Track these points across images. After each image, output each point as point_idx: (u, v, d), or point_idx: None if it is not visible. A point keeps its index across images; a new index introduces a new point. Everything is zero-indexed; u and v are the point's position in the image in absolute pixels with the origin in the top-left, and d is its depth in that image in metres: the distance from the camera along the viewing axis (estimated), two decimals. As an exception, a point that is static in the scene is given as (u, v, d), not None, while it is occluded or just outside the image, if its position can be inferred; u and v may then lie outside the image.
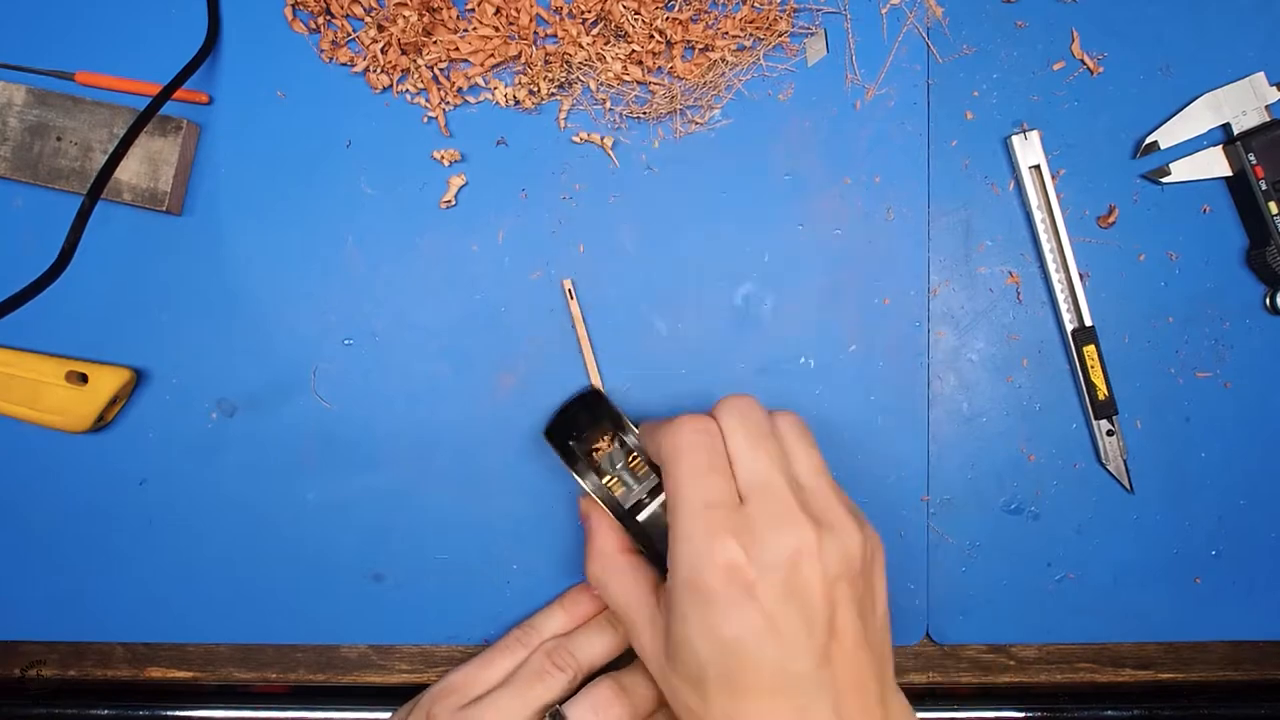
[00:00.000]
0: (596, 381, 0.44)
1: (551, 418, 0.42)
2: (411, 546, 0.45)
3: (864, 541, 0.34)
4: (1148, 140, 0.44)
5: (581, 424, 0.41)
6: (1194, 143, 0.45)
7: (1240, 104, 0.44)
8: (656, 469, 0.39)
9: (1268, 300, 0.45)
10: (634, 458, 0.41)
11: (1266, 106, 0.44)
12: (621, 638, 0.42)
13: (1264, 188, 0.43)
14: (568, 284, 0.44)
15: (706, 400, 0.44)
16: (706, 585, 0.32)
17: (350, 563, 0.45)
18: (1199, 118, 0.44)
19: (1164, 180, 0.44)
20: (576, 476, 0.40)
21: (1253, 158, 0.43)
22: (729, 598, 0.32)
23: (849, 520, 0.34)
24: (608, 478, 0.41)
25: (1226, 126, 0.45)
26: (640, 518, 0.39)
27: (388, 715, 0.44)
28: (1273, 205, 0.43)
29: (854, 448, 0.45)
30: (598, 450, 0.42)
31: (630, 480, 0.41)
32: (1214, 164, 0.44)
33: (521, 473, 0.45)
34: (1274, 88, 0.44)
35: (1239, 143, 0.44)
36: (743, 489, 0.34)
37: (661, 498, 0.40)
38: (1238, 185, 0.44)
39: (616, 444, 0.41)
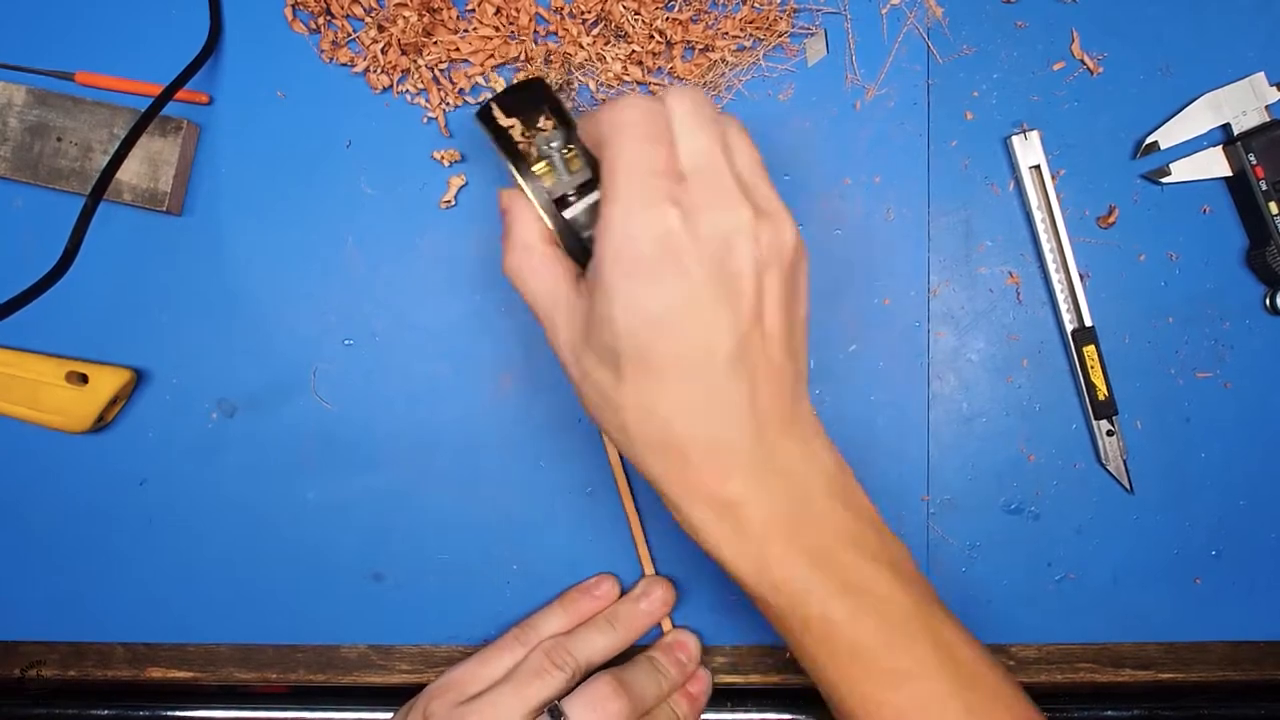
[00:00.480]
0: None
1: (487, 101, 0.38)
2: (411, 546, 0.45)
3: (796, 236, 0.34)
4: (1148, 140, 0.44)
5: (519, 108, 0.38)
6: (1194, 143, 0.45)
7: (1240, 104, 0.44)
8: (592, 165, 0.37)
9: (1268, 300, 0.45)
10: (569, 149, 0.38)
11: (1266, 106, 0.44)
12: (621, 637, 0.42)
13: (1264, 188, 0.43)
14: None
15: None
16: (638, 252, 0.31)
17: (350, 563, 0.45)
18: (1199, 118, 0.44)
19: (1164, 180, 0.44)
20: (505, 158, 0.37)
21: (1253, 158, 0.43)
22: (659, 266, 0.31)
23: (785, 212, 0.33)
24: (539, 165, 0.38)
25: (1226, 127, 0.45)
26: (566, 214, 0.37)
27: (388, 715, 0.44)
28: (1273, 205, 0.43)
29: (854, 448, 0.44)
30: (532, 136, 0.38)
31: (562, 169, 0.38)
32: (1214, 164, 0.44)
33: (521, 473, 0.45)
34: (1274, 88, 0.44)
35: (1239, 143, 0.44)
36: (684, 167, 0.32)
37: (590, 197, 0.37)
38: (1238, 185, 0.44)
39: (554, 131, 0.38)
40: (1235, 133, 0.44)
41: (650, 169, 0.32)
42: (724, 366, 0.32)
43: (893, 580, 0.34)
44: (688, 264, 0.31)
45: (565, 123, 0.38)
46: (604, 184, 0.33)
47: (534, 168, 0.37)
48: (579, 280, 0.35)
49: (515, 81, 0.39)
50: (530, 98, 0.38)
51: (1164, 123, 0.45)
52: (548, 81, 0.39)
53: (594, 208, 0.36)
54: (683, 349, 0.31)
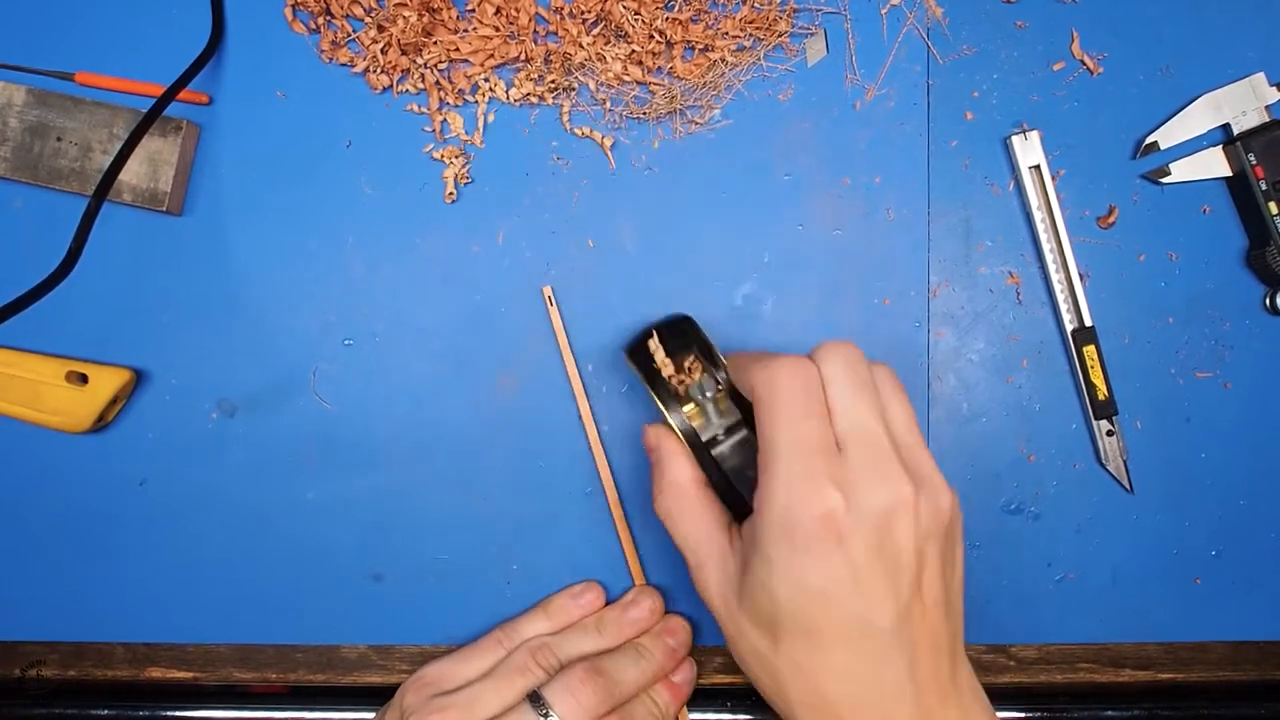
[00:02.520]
0: (579, 390, 0.44)
1: (635, 337, 0.39)
2: (411, 546, 0.45)
3: (953, 502, 0.34)
4: (1148, 140, 0.44)
5: (670, 346, 0.39)
6: (1194, 143, 0.45)
7: (1240, 104, 0.44)
8: (740, 406, 0.37)
9: (1268, 300, 0.45)
10: (719, 391, 0.38)
11: (1266, 107, 0.44)
12: (607, 642, 0.42)
13: (1264, 188, 0.43)
14: (548, 291, 0.44)
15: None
16: (800, 530, 0.32)
17: (350, 563, 0.45)
18: (1199, 118, 0.44)
19: (1164, 180, 0.44)
20: (658, 402, 0.37)
21: (1253, 158, 0.43)
22: (821, 545, 0.31)
23: (941, 479, 0.34)
24: (688, 407, 0.38)
25: (1226, 127, 0.45)
26: (714, 453, 0.37)
27: (388, 715, 0.44)
28: (1273, 205, 0.43)
29: (854, 448, 0.45)
30: (681, 378, 0.39)
31: (712, 413, 0.38)
32: (1214, 164, 0.44)
33: (521, 473, 0.45)
34: (1274, 88, 0.44)
35: (1239, 143, 0.44)
36: (841, 437, 0.33)
37: (738, 436, 0.38)
38: (1238, 185, 0.44)
39: (703, 374, 0.39)
40: (1235, 133, 0.44)
41: (808, 446, 0.32)
42: (884, 637, 0.32)
43: None
44: (849, 541, 0.31)
45: (714, 363, 0.38)
46: (762, 454, 0.33)
47: (684, 409, 0.37)
48: (730, 529, 0.36)
49: (664, 320, 0.40)
50: (680, 337, 0.39)
51: (1164, 123, 0.45)
52: (691, 317, 0.40)
53: (739, 446, 0.37)
54: (843, 621, 0.32)
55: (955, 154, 0.45)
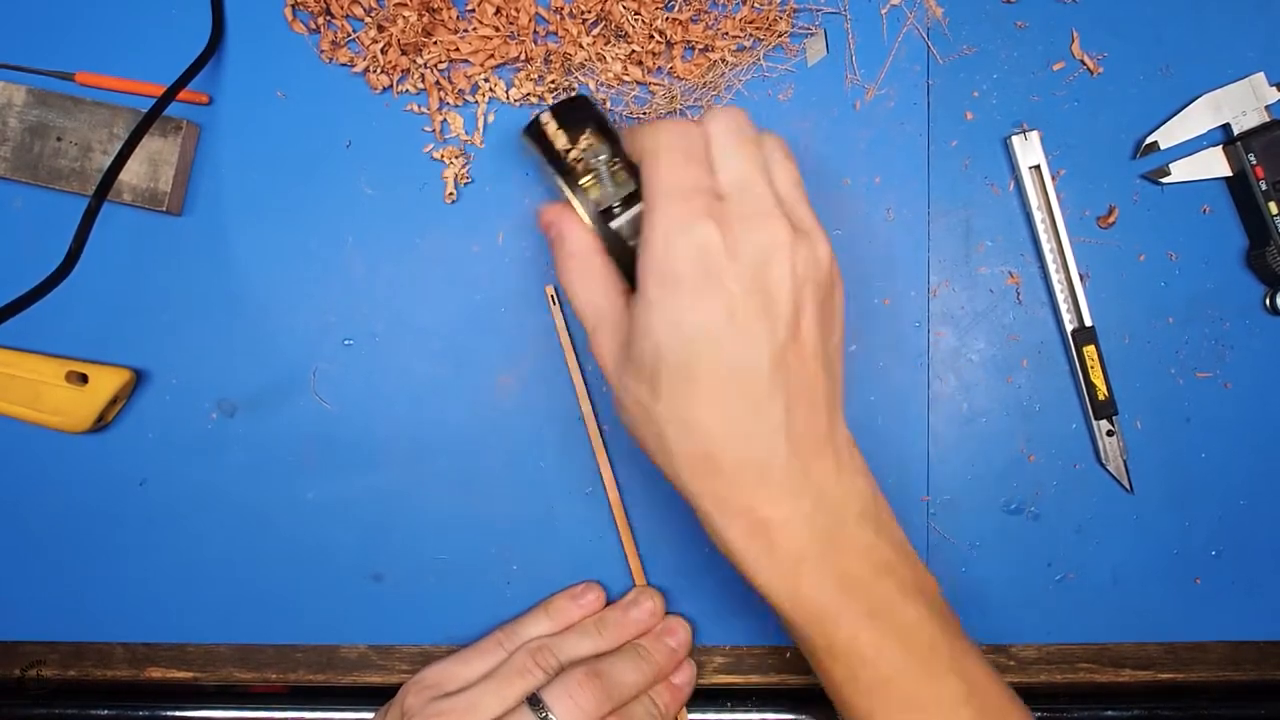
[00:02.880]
0: (581, 388, 0.44)
1: (535, 115, 0.39)
2: (411, 546, 0.45)
3: (832, 255, 0.34)
4: (1148, 140, 0.44)
5: (565, 123, 0.39)
6: (1194, 143, 0.45)
7: (1240, 104, 0.44)
8: (636, 177, 0.37)
9: (1268, 300, 0.45)
10: (615, 162, 0.38)
11: (1266, 107, 0.44)
12: (607, 642, 0.42)
13: (1264, 188, 0.43)
14: (550, 290, 0.44)
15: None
16: (677, 267, 0.32)
17: (350, 563, 0.45)
18: (1199, 118, 0.44)
19: (1164, 180, 0.44)
20: (553, 171, 0.38)
21: (1253, 158, 0.43)
22: (698, 282, 0.31)
23: (821, 232, 0.34)
24: (585, 178, 0.38)
25: (1226, 127, 0.45)
26: (612, 225, 0.37)
27: (387, 715, 0.44)
28: (1273, 205, 0.43)
29: (854, 448, 0.45)
30: (577, 151, 0.39)
31: (608, 182, 0.38)
32: (1214, 164, 0.44)
33: (521, 473, 0.45)
34: (1274, 88, 0.44)
35: (1239, 143, 0.44)
36: (723, 187, 0.33)
37: (635, 209, 0.38)
38: (1238, 185, 0.44)
39: (599, 145, 0.39)
40: (1235, 133, 0.44)
41: (688, 187, 0.32)
42: (761, 381, 0.32)
43: (922, 610, 0.34)
44: (726, 279, 0.31)
45: (610, 137, 0.38)
46: (645, 202, 0.33)
47: (580, 181, 0.38)
48: (626, 294, 0.36)
49: (560, 99, 0.40)
50: (575, 113, 0.39)
51: (1164, 123, 0.45)
52: (588, 96, 0.40)
53: (639, 219, 0.37)
54: (720, 363, 0.32)
55: (955, 154, 0.45)
